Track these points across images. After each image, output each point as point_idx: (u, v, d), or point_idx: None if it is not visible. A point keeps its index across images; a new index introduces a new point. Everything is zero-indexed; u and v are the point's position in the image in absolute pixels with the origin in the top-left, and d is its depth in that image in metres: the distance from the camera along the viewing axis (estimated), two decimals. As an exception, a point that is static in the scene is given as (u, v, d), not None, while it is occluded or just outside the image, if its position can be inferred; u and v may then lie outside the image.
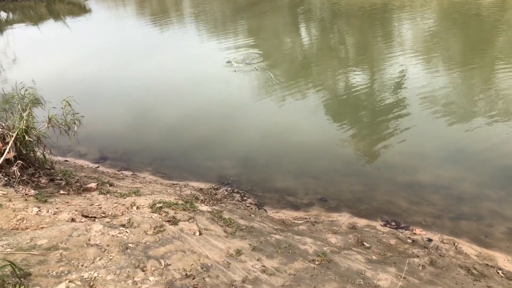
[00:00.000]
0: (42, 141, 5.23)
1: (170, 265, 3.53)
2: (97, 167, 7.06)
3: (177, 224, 4.31)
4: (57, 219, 3.95)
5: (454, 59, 10.56)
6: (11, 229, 3.67)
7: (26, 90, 5.36)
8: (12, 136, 4.80)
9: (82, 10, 23.10)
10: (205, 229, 4.37)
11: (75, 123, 5.32)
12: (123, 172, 6.85)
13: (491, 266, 4.55)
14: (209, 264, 3.69)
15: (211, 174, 6.74)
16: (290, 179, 6.46)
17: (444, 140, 7.05)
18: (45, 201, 4.32)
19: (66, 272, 3.15)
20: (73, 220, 3.98)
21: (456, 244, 4.94)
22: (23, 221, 3.81)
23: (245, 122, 8.31)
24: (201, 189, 6.18)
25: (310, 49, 11.97)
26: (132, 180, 6.35)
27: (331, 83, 9.76)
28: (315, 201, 5.93)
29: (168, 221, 4.33)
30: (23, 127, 4.86)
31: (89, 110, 8.97)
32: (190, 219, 4.52)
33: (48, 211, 4.06)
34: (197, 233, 4.24)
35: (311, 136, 7.54)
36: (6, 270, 2.89)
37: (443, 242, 4.99)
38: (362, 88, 9.32)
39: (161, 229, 4.10)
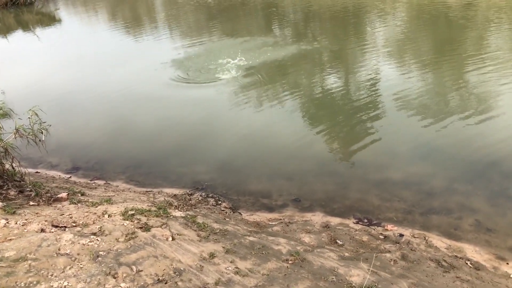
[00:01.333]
0: (10, 153, 5.15)
1: (142, 271, 3.52)
2: (69, 177, 6.97)
3: (150, 231, 4.30)
4: (26, 230, 3.89)
5: (424, 59, 10.80)
6: (-23, 243, 3.60)
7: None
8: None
9: (52, 19, 22.78)
10: (178, 234, 4.37)
11: (42, 133, 5.26)
12: (96, 181, 6.78)
13: (460, 258, 4.67)
14: (181, 268, 3.69)
15: (185, 180, 6.73)
16: (264, 182, 6.50)
17: (415, 138, 7.21)
18: (14, 212, 4.25)
19: (35, 282, 3.11)
20: (42, 230, 3.92)
21: (426, 238, 5.05)
22: (-10, 233, 3.74)
23: (218, 127, 8.32)
24: (175, 195, 6.17)
25: (282, 51, 12.04)
26: (104, 189, 6.29)
27: (304, 86, 9.86)
28: (289, 202, 5.99)
29: (140, 227, 4.32)
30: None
31: (60, 120, 8.92)
32: (162, 225, 4.51)
33: (16, 223, 4.00)
34: (170, 239, 4.24)
35: (283, 139, 7.61)
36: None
37: (414, 237, 5.10)
38: (334, 90, 9.46)
39: (133, 236, 4.08)
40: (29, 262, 3.33)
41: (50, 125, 5.36)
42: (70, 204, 4.86)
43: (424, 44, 12.12)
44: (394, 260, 4.52)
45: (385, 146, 7.13)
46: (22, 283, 3.07)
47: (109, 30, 18.21)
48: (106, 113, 9.48)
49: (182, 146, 7.77)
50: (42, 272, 3.25)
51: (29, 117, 5.12)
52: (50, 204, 4.80)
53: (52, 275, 3.24)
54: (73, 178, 6.91)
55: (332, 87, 9.57)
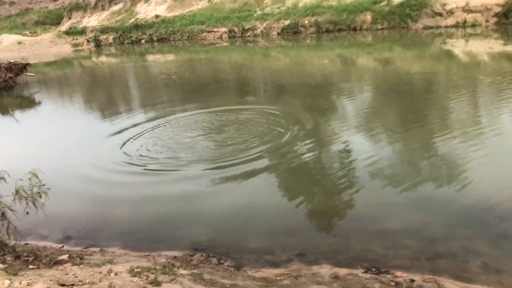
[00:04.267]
0: (6, 217, 4.98)
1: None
2: (62, 246, 6.70)
3: (161, 285, 4.13)
4: (31, 289, 3.69)
5: (393, 129, 11.17)
6: (-18, 303, 3.38)
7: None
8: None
9: (32, 102, 22.94)
10: (190, 288, 4.21)
11: (40, 196, 5.16)
12: (90, 249, 6.53)
13: (476, 299, 4.61)
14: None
15: (182, 242, 6.57)
16: (264, 239, 6.41)
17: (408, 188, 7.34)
18: (16, 274, 4.04)
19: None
20: (49, 289, 3.73)
21: (438, 281, 4.99)
22: (-6, 293, 3.53)
23: (209, 190, 8.27)
24: (175, 257, 5.98)
25: (254, 126, 12.24)
26: (101, 255, 6.06)
27: (284, 158, 9.87)
28: (294, 256, 5.88)
29: (151, 283, 4.15)
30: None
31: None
32: (172, 280, 4.35)
33: (21, 283, 3.79)
34: (184, 292, 4.07)
35: (277, 199, 7.62)
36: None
37: (425, 281, 5.03)
38: (312, 160, 9.62)
39: (144, 290, 3.92)
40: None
41: (49, 188, 5.26)
42: (72, 265, 4.66)
43: (391, 115, 12.61)
44: (411, 304, 4.43)
45: (378, 199, 7.20)
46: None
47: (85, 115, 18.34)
48: (91, 184, 9.31)
49: (175, 209, 7.65)
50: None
51: (29, 178, 5.02)
52: (51, 267, 4.59)
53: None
54: (66, 247, 6.65)
55: (308, 157, 9.66)
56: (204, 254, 6.08)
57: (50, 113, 19.72)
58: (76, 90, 25.85)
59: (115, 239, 6.95)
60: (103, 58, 41.93)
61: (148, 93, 21.22)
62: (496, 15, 23.41)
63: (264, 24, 35.60)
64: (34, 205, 4.93)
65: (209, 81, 21.84)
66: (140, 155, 10.25)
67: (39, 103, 23.05)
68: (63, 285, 3.89)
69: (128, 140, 11.61)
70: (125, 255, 6.12)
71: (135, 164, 9.69)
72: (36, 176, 5.00)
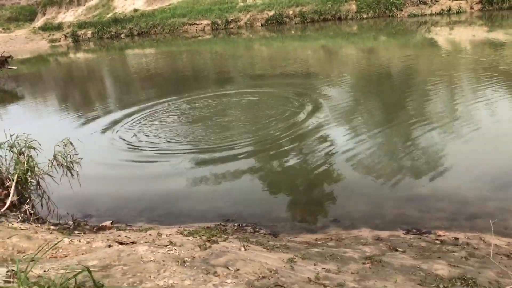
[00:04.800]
0: (41, 186, 4.77)
1: (239, 270, 3.23)
2: (85, 224, 6.48)
3: (218, 243, 4.01)
4: (93, 246, 3.52)
5: (375, 123, 10.89)
6: (50, 258, 3.21)
7: (16, 136, 4.97)
8: (13, 179, 4.35)
9: (14, 97, 22.28)
10: (247, 246, 4.10)
11: (73, 164, 4.96)
12: (115, 224, 6.34)
13: (525, 251, 4.63)
14: (274, 268, 3.43)
15: (210, 215, 6.43)
16: (294, 208, 6.34)
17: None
18: (70, 234, 3.87)
19: (138, 282, 2.78)
20: (110, 246, 3.57)
21: (482, 238, 5.00)
22: (58, 250, 3.35)
23: (224, 168, 8.13)
24: (208, 227, 5.85)
25: (237, 123, 12.12)
26: (130, 228, 5.88)
27: (265, 157, 9.78)
28: (329, 223, 5.82)
29: (208, 241, 4.03)
30: (25, 168, 4.44)
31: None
32: (226, 239, 4.24)
33: (80, 241, 3.62)
34: (242, 249, 3.96)
35: (295, 171, 7.55)
36: (80, 277, 2.50)
37: (470, 239, 5.04)
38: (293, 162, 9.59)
39: (207, 246, 3.79)
40: (120, 267, 2.98)
41: (82, 158, 5.06)
42: (117, 231, 4.49)
43: (372, 109, 12.51)
44: (465, 257, 4.42)
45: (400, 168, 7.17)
46: (125, 283, 2.73)
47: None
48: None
49: (193, 187, 7.51)
50: (138, 274, 2.91)
51: (63, 147, 4.82)
52: (96, 232, 4.41)
53: (150, 277, 2.91)
54: (90, 224, 6.43)
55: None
56: (236, 224, 5.97)
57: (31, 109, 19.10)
58: (52, 86, 25.23)
59: (136, 215, 6.73)
60: (81, 54, 40.98)
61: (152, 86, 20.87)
62: (481, 1, 23.82)
63: (248, 16, 35.43)
64: (70, 172, 4.73)
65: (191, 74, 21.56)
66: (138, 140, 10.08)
67: (23, 97, 22.42)
68: (121, 243, 3.74)
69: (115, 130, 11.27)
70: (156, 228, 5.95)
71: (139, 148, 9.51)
72: (71, 144, 4.80)
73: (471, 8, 24.25)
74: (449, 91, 11.77)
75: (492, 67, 13.74)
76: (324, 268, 3.68)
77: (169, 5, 47.86)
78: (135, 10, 50.46)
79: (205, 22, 38.85)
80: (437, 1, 25.27)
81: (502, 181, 6.39)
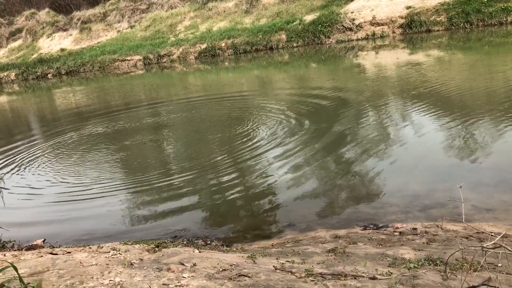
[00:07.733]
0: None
1: (196, 265, 2.86)
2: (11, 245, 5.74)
3: (168, 248, 3.61)
4: (21, 259, 3.00)
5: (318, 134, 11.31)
6: None
7: None
8: None
9: None
10: (201, 250, 3.72)
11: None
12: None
13: (483, 232, 4.58)
14: (234, 263, 3.09)
15: (155, 230, 5.95)
16: (246, 219, 6.01)
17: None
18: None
19: (78, 283, 2.33)
20: (41, 257, 3.06)
21: (439, 226, 4.93)
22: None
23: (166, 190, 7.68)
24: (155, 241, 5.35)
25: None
26: (66, 246, 5.25)
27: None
28: (284, 227, 5.55)
29: (157, 246, 3.62)
30: None
31: None
32: (176, 246, 3.83)
33: (5, 255, 3.07)
34: (196, 251, 3.59)
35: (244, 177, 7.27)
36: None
37: (427, 227, 4.95)
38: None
39: (156, 250, 3.40)
40: (55, 271, 2.52)
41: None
42: (50, 248, 3.93)
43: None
44: (427, 243, 4.30)
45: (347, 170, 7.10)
46: (61, 286, 2.28)
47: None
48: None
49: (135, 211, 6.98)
50: (78, 276, 2.47)
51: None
52: (26, 251, 3.84)
53: (93, 278, 2.47)
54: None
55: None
56: (185, 239, 5.52)
57: None
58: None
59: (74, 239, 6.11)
60: (3, 97, 38.70)
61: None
62: (401, 26, 25.31)
63: (180, 49, 35.32)
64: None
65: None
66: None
67: None
68: (55, 254, 3.22)
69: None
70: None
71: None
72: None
73: (393, 32, 25.70)
74: (386, 108, 12.12)
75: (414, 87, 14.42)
76: (288, 261, 3.38)
77: (98, 43, 46.81)
78: (62, 50, 48.84)
79: (137, 57, 38.22)
80: (361, 28, 26.54)
81: (446, 173, 6.46)
